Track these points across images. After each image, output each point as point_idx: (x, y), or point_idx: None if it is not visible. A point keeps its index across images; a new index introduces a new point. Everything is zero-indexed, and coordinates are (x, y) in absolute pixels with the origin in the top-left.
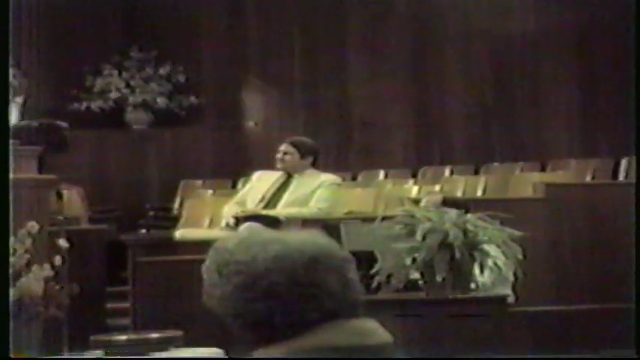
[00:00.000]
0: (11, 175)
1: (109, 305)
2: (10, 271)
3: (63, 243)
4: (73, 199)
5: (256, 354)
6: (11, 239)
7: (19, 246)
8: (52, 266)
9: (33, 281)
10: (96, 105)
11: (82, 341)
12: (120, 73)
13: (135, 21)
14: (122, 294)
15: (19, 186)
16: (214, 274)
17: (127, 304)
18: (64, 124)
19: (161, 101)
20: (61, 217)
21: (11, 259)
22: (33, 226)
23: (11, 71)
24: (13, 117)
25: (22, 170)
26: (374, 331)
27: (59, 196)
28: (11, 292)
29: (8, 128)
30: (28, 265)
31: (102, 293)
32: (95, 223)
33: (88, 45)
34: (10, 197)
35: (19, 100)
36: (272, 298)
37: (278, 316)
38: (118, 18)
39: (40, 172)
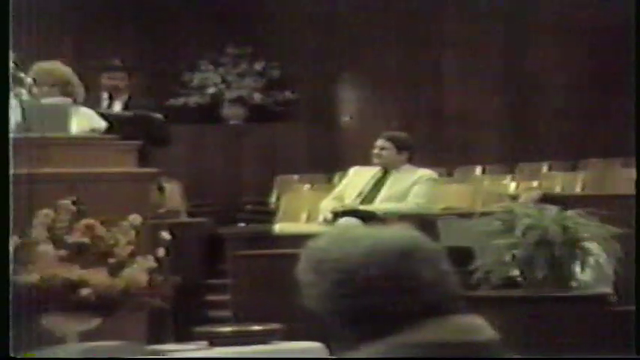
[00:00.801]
0: (112, 169)
1: (208, 297)
2: (114, 260)
3: (165, 235)
4: (173, 193)
5: (360, 353)
6: (114, 230)
7: (122, 237)
8: (156, 258)
9: (138, 272)
10: (193, 100)
11: (186, 332)
12: (216, 69)
13: (230, 17)
14: (220, 287)
15: (119, 179)
16: (310, 273)
17: (225, 297)
18: (158, 116)
19: (256, 96)
20: (162, 210)
21: (116, 250)
22: (135, 218)
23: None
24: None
25: (122, 164)
26: (481, 327)
27: (160, 189)
28: (117, 281)
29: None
30: (132, 256)
31: (202, 285)
32: (193, 217)
33: (185, 41)
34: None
35: (125, 97)
36: (370, 293)
37: (378, 311)
38: (213, 15)
39: (140, 165)
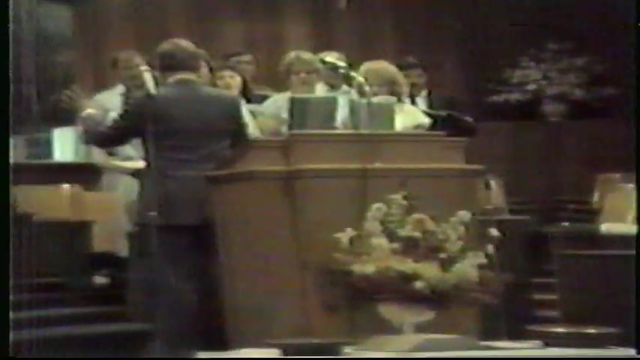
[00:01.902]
0: (441, 165)
1: (534, 296)
2: (445, 255)
3: (494, 232)
4: (496, 190)
5: None
6: (443, 225)
7: (452, 233)
8: (485, 254)
9: (468, 267)
10: (513, 97)
11: (517, 331)
12: (537, 65)
13: (551, 13)
14: (546, 286)
15: (447, 175)
16: None
17: (551, 296)
18: (468, 119)
19: (578, 92)
20: (489, 207)
21: (446, 245)
22: (465, 214)
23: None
24: (422, 107)
25: (449, 160)
26: None
27: (487, 186)
28: (448, 276)
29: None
30: (462, 252)
31: (528, 284)
32: (514, 215)
33: (506, 38)
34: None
35: (424, 93)
36: None
37: None
38: (534, 10)
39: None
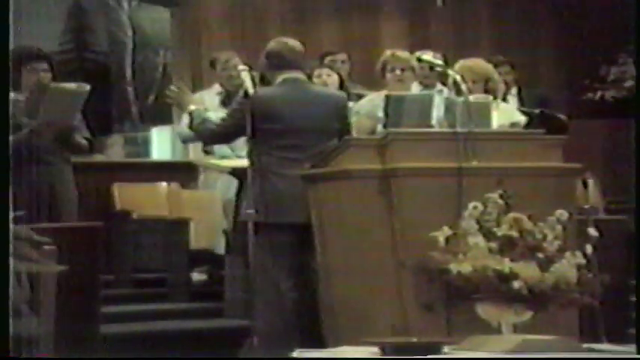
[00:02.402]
0: (538, 164)
1: (632, 298)
2: (542, 255)
3: (593, 232)
4: (594, 189)
5: None
6: (540, 224)
7: (549, 232)
8: (583, 254)
9: (567, 268)
10: (609, 94)
11: (617, 333)
12: (634, 62)
13: None
14: None
15: (545, 174)
16: None
17: None
18: (561, 116)
19: None
20: (587, 206)
21: (544, 244)
22: (562, 213)
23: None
24: (513, 105)
25: (546, 158)
26: None
27: (585, 184)
28: (547, 276)
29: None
30: (560, 251)
31: (626, 285)
32: (610, 214)
33: (603, 35)
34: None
35: (514, 91)
36: None
37: None
38: (632, 6)
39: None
